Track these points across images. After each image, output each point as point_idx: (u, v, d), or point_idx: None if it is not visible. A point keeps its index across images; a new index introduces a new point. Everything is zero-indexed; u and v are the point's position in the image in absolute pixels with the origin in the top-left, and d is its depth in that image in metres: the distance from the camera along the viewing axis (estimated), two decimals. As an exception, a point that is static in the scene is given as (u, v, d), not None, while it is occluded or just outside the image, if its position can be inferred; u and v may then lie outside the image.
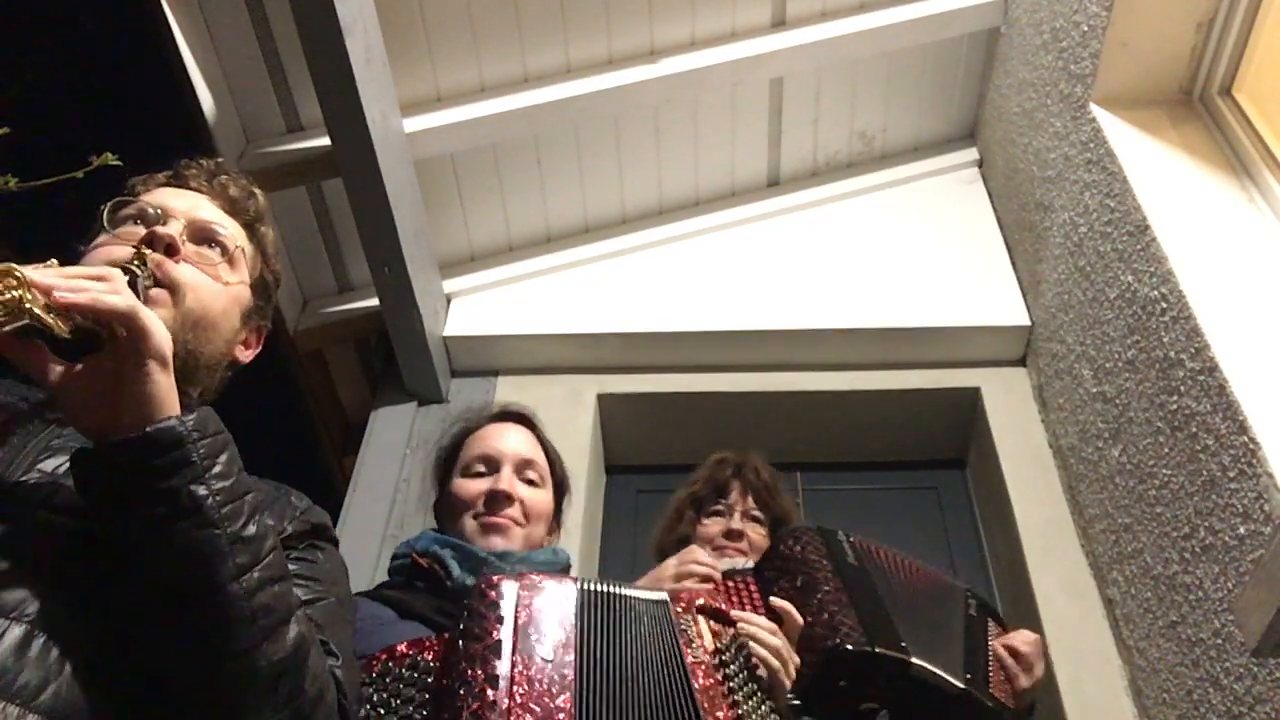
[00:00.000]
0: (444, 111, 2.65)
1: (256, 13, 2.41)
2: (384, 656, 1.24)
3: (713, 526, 1.97)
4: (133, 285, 0.94)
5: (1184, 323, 1.90)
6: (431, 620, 1.40)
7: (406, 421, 2.78)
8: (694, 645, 1.29)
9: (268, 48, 2.46)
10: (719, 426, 2.71)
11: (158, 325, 0.88)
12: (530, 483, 1.62)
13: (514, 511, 1.57)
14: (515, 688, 1.12)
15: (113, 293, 0.87)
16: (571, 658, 1.18)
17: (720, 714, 1.22)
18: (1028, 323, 2.74)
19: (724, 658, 1.32)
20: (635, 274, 2.95)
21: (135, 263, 1.01)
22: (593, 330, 2.83)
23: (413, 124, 2.58)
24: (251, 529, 0.91)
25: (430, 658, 1.22)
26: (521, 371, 2.86)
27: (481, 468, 1.62)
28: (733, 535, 1.94)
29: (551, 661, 1.16)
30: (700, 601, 1.39)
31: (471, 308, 2.89)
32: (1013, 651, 1.80)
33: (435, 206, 2.77)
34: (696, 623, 1.34)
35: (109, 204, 1.13)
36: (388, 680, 1.22)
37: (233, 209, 1.20)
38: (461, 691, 1.12)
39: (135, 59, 2.31)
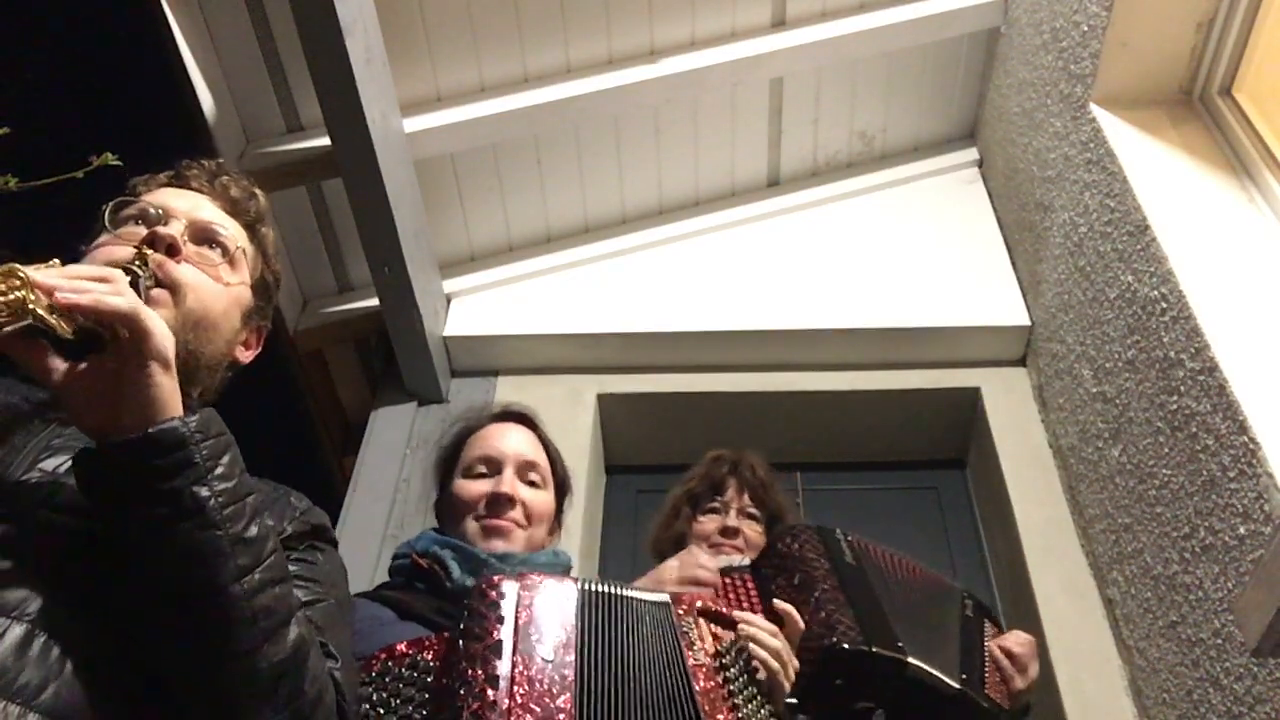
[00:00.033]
0: (444, 111, 2.65)
1: (256, 13, 2.41)
2: (383, 656, 1.24)
3: (709, 524, 1.97)
4: (134, 285, 0.94)
5: (1184, 323, 1.90)
6: (431, 621, 1.39)
7: (406, 421, 2.78)
8: (695, 648, 1.29)
9: (268, 48, 2.46)
10: (719, 426, 2.71)
11: (160, 326, 0.88)
12: (532, 484, 1.62)
13: (516, 514, 1.57)
14: (515, 688, 1.12)
15: (115, 294, 0.87)
16: (572, 658, 1.18)
17: (720, 717, 1.22)
18: (1028, 323, 2.74)
19: (724, 661, 1.32)
20: (635, 274, 2.95)
21: (137, 263, 1.01)
22: (593, 330, 2.83)
23: (413, 124, 2.58)
24: (253, 530, 0.91)
25: (430, 657, 1.22)
26: (521, 371, 2.86)
27: (483, 469, 1.61)
28: (729, 532, 1.94)
29: (552, 662, 1.16)
30: (700, 604, 1.39)
31: (471, 308, 2.89)
32: (1007, 653, 1.80)
33: (435, 206, 2.77)
34: (698, 625, 1.34)
35: (110, 204, 1.14)
36: (387, 680, 1.22)
37: (234, 210, 1.20)
38: (461, 691, 1.12)
39: (135, 59, 2.31)
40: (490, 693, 1.11)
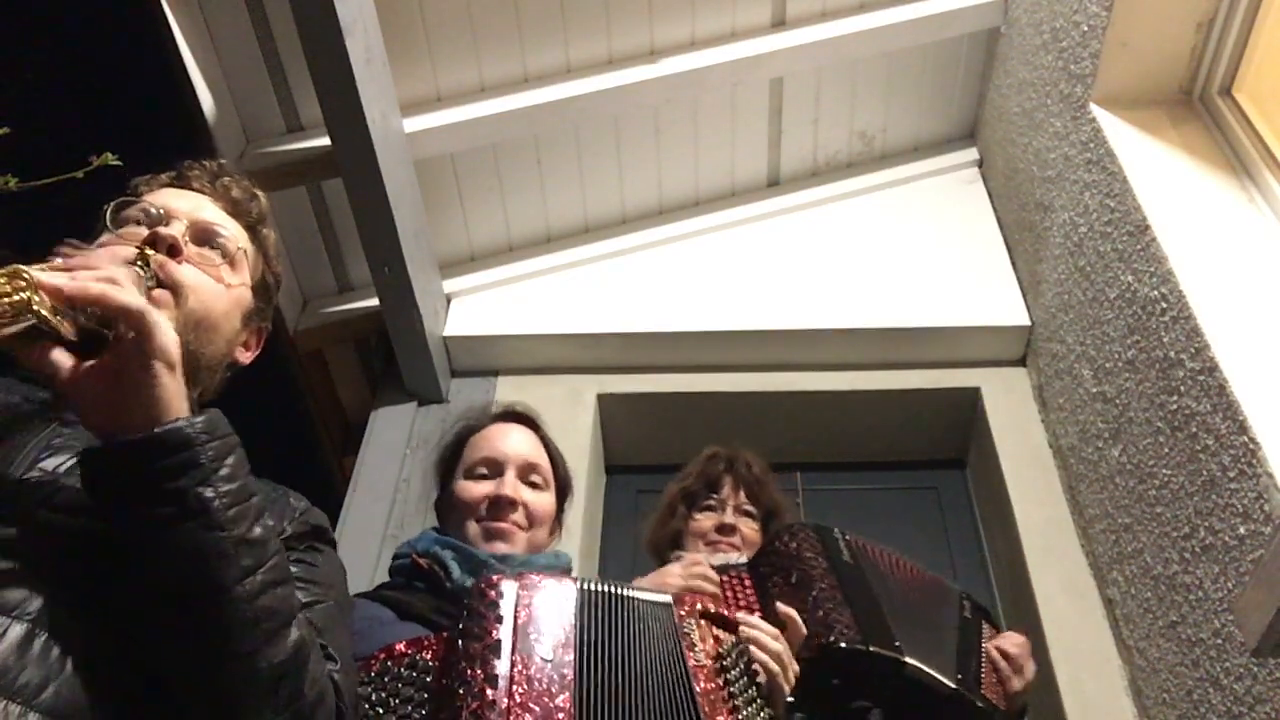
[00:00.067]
0: (444, 111, 2.65)
1: (256, 13, 2.41)
2: (383, 656, 1.24)
3: (705, 521, 1.97)
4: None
5: (1184, 323, 1.90)
6: (431, 621, 1.40)
7: (406, 421, 2.78)
8: (696, 649, 1.29)
9: (268, 48, 2.46)
10: (719, 426, 2.70)
11: (165, 326, 0.88)
12: (534, 485, 1.62)
13: (518, 516, 1.57)
14: (515, 687, 1.12)
15: (122, 291, 0.87)
16: (571, 657, 1.18)
17: (720, 718, 1.22)
18: (1028, 323, 2.74)
19: (725, 663, 1.31)
20: (635, 274, 2.95)
21: (138, 263, 1.01)
22: (593, 330, 2.83)
23: (413, 124, 2.58)
24: (257, 532, 0.91)
25: (429, 657, 1.22)
26: (521, 371, 2.86)
27: (485, 470, 1.61)
28: (725, 530, 1.94)
29: (551, 661, 1.16)
30: (702, 606, 1.39)
31: (471, 308, 2.89)
32: (1003, 653, 1.80)
33: (435, 206, 2.77)
34: (699, 626, 1.34)
35: (112, 204, 1.13)
36: (386, 679, 1.22)
37: (235, 210, 1.20)
38: (461, 691, 1.12)
39: (135, 59, 2.31)
40: (489, 692, 1.11)
